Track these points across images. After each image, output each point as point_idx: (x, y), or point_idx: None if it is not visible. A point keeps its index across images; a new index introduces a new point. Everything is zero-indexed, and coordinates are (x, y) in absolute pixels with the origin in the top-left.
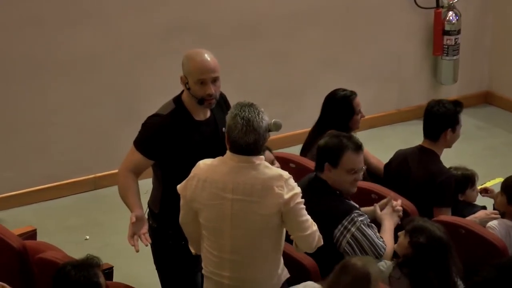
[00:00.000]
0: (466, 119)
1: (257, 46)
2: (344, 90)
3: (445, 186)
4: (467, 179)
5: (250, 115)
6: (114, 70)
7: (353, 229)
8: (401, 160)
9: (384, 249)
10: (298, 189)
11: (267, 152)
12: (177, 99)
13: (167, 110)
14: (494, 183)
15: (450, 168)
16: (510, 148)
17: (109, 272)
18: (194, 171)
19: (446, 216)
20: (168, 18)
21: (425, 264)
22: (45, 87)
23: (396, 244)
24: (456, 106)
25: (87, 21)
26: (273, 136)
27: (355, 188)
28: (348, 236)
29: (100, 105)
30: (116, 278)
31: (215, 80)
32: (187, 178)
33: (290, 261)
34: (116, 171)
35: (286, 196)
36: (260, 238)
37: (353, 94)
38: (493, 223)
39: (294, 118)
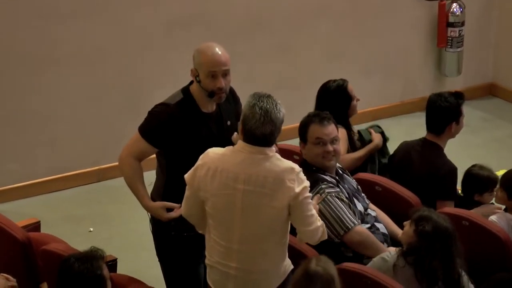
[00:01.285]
0: (471, 111)
1: (263, 38)
2: (334, 80)
3: (448, 179)
4: (489, 183)
5: (268, 106)
6: (120, 63)
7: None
8: (404, 152)
9: (354, 224)
10: (307, 183)
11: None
12: (186, 90)
13: (175, 99)
14: (499, 175)
15: (475, 165)
16: None
17: (113, 264)
18: (203, 159)
19: (450, 207)
20: (174, 11)
21: (430, 253)
22: (50, 80)
23: (401, 233)
24: (458, 98)
25: (93, 14)
26: None
27: (330, 162)
28: None
29: (105, 98)
30: (120, 270)
31: (225, 73)
32: (195, 167)
33: (294, 253)
34: None
35: (297, 189)
36: (269, 230)
37: (345, 82)
38: (493, 217)
39: (299, 110)
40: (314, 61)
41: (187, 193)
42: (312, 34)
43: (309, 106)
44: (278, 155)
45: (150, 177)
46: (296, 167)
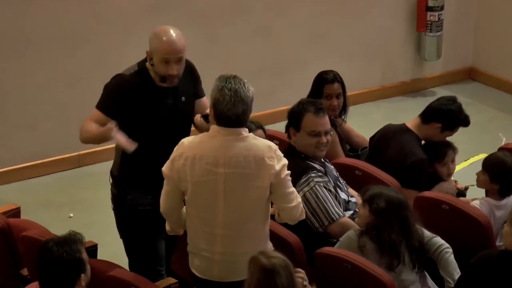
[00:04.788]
0: (451, 95)
1: (244, 21)
2: (330, 72)
3: (414, 168)
4: (436, 153)
5: (237, 86)
6: (100, 47)
7: (306, 189)
8: (381, 135)
9: (339, 216)
10: (285, 160)
11: (260, 131)
12: (142, 64)
13: (130, 71)
14: (478, 159)
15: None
16: (495, 124)
17: (93, 250)
18: (179, 149)
19: (429, 192)
20: None
21: (388, 226)
22: (29, 64)
23: (357, 217)
24: (463, 121)
25: None
26: (258, 112)
27: (322, 152)
28: (300, 195)
29: (85, 83)
30: (101, 255)
31: (179, 60)
32: (171, 159)
33: (275, 238)
34: (100, 148)
35: (277, 167)
36: (252, 211)
37: (330, 78)
38: (475, 203)
39: (279, 94)
40: (295, 45)
41: (166, 188)
42: (293, 18)
43: (289, 91)
44: (253, 135)
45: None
46: (273, 145)
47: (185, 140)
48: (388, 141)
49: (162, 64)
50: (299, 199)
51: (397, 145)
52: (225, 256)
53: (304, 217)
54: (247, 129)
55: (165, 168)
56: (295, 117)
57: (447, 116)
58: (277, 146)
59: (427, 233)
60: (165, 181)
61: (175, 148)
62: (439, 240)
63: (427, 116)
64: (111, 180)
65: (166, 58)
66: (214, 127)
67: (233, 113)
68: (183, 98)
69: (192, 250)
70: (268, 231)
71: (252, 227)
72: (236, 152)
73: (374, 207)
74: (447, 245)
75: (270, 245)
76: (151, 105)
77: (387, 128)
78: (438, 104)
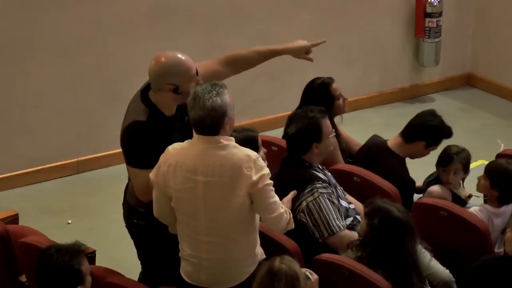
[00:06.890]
0: (449, 101)
1: (243, 27)
2: (320, 78)
3: (402, 192)
4: (443, 157)
5: (201, 91)
6: (100, 53)
7: (309, 199)
8: (366, 151)
9: (340, 228)
10: (266, 170)
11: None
12: (147, 101)
13: (144, 114)
14: (477, 165)
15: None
16: (493, 130)
17: (91, 256)
18: (164, 156)
19: (427, 198)
20: (155, 1)
21: (382, 245)
22: (29, 69)
23: (359, 226)
24: (447, 133)
25: (73, 3)
26: (256, 118)
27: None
28: (303, 204)
29: (85, 88)
30: (99, 261)
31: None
32: (157, 165)
33: (271, 243)
34: (99, 155)
35: (255, 177)
36: (234, 219)
37: (330, 80)
38: (474, 209)
39: (277, 100)
40: None
41: (155, 193)
42: (292, 24)
43: (287, 97)
44: (235, 144)
45: (118, 171)
46: (253, 154)
47: (170, 147)
48: (372, 164)
49: (192, 81)
50: (282, 210)
51: (382, 166)
52: (212, 262)
53: (293, 227)
54: (230, 138)
55: (151, 174)
56: (314, 130)
57: (430, 133)
58: (258, 156)
59: (431, 264)
60: (154, 186)
61: (162, 155)
62: (444, 275)
63: (409, 135)
64: (129, 210)
65: (193, 73)
66: (195, 135)
67: (191, 116)
68: (186, 118)
69: (182, 256)
70: (256, 239)
71: (236, 235)
72: (214, 161)
73: (370, 223)
74: (452, 279)
75: (260, 251)
76: (171, 137)
77: (373, 144)
78: (419, 121)
